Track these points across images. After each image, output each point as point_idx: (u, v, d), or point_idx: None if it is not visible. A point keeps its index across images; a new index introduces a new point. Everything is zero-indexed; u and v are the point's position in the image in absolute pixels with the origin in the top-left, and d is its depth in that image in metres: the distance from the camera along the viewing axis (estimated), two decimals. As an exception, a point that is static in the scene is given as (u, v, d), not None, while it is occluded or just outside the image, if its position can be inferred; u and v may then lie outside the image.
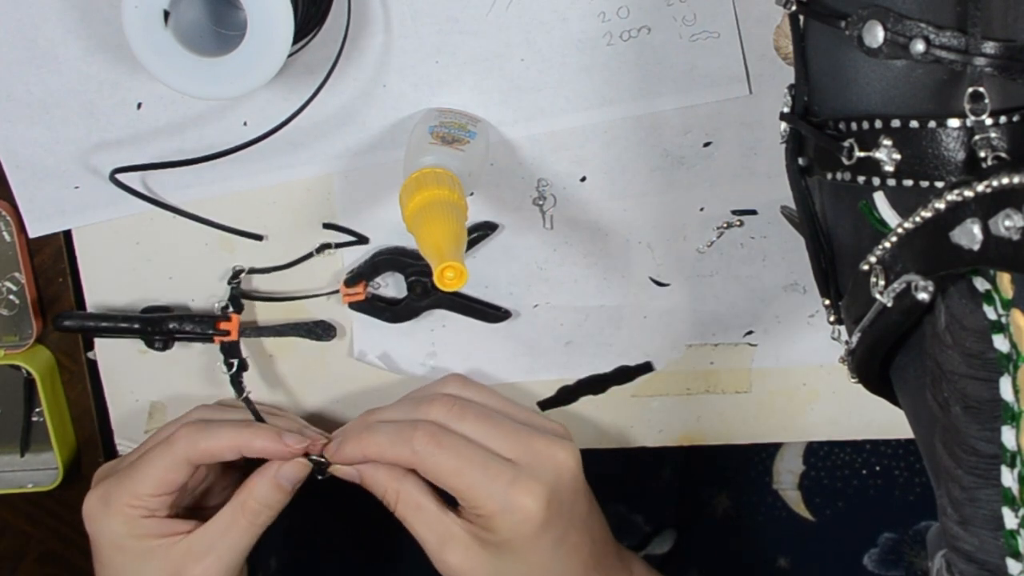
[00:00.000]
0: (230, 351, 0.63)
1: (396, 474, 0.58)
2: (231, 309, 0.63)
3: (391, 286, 0.63)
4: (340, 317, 0.65)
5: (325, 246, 0.63)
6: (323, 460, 0.59)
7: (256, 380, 0.66)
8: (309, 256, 0.63)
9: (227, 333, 0.62)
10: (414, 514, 0.58)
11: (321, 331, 0.64)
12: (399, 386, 0.66)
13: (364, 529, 0.71)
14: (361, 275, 0.63)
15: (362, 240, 0.62)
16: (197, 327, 0.63)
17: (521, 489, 0.55)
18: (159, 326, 0.63)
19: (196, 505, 0.64)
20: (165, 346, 0.64)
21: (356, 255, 0.63)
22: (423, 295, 0.62)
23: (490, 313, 0.63)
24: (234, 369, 0.62)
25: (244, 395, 0.62)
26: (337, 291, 0.63)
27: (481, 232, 0.61)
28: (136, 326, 0.63)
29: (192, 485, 0.61)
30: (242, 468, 0.63)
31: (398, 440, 0.56)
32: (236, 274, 0.63)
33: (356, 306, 0.63)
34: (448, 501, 0.59)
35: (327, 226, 0.62)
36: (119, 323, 0.63)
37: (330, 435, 0.61)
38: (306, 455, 0.59)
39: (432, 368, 0.65)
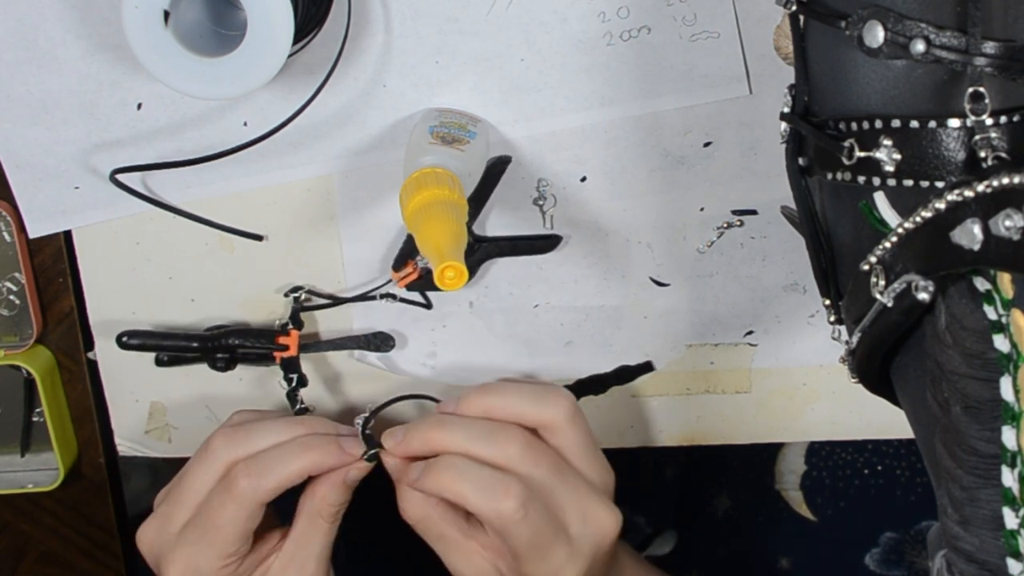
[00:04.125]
0: (289, 367, 0.63)
1: (439, 512, 0.58)
2: (291, 325, 0.63)
3: None
4: (375, 322, 0.65)
5: (390, 295, 0.63)
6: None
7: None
8: (371, 297, 0.63)
9: (286, 348, 0.63)
10: (441, 542, 0.58)
11: (379, 342, 0.64)
12: (398, 383, 0.66)
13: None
14: (404, 255, 0.62)
15: (427, 305, 0.63)
16: (257, 342, 0.63)
17: (569, 569, 0.57)
18: (220, 342, 0.63)
19: None
20: (227, 366, 0.64)
21: (358, 254, 0.63)
22: (470, 252, 0.61)
23: (541, 243, 0.62)
24: (293, 384, 0.63)
25: (300, 408, 0.63)
26: (391, 281, 0.62)
27: (499, 167, 0.60)
28: (195, 344, 0.63)
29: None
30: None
31: (486, 497, 0.55)
32: (295, 289, 0.63)
33: (412, 286, 0.62)
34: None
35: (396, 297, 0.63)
36: (180, 341, 0.64)
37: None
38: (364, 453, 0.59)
39: (432, 368, 0.65)
